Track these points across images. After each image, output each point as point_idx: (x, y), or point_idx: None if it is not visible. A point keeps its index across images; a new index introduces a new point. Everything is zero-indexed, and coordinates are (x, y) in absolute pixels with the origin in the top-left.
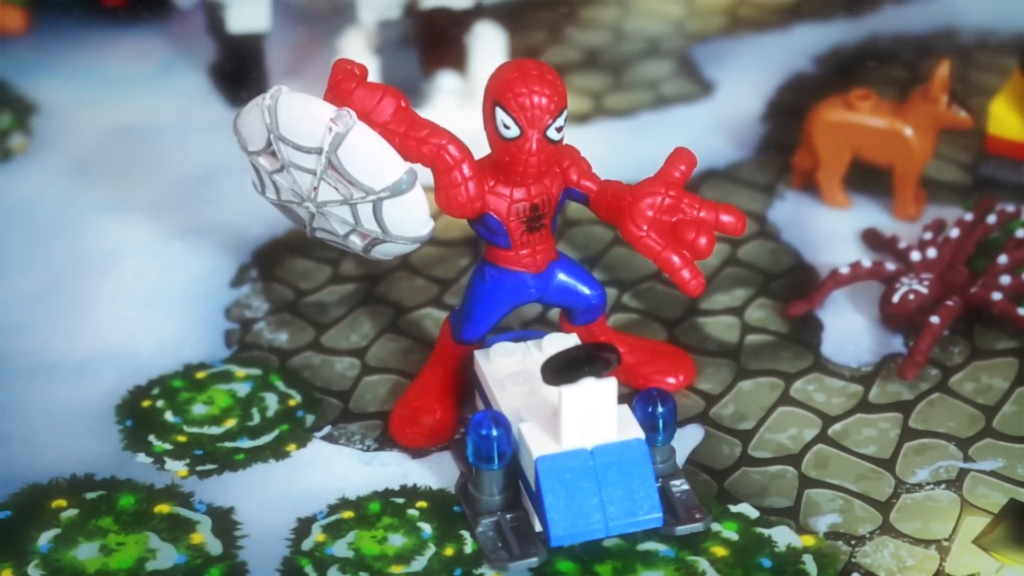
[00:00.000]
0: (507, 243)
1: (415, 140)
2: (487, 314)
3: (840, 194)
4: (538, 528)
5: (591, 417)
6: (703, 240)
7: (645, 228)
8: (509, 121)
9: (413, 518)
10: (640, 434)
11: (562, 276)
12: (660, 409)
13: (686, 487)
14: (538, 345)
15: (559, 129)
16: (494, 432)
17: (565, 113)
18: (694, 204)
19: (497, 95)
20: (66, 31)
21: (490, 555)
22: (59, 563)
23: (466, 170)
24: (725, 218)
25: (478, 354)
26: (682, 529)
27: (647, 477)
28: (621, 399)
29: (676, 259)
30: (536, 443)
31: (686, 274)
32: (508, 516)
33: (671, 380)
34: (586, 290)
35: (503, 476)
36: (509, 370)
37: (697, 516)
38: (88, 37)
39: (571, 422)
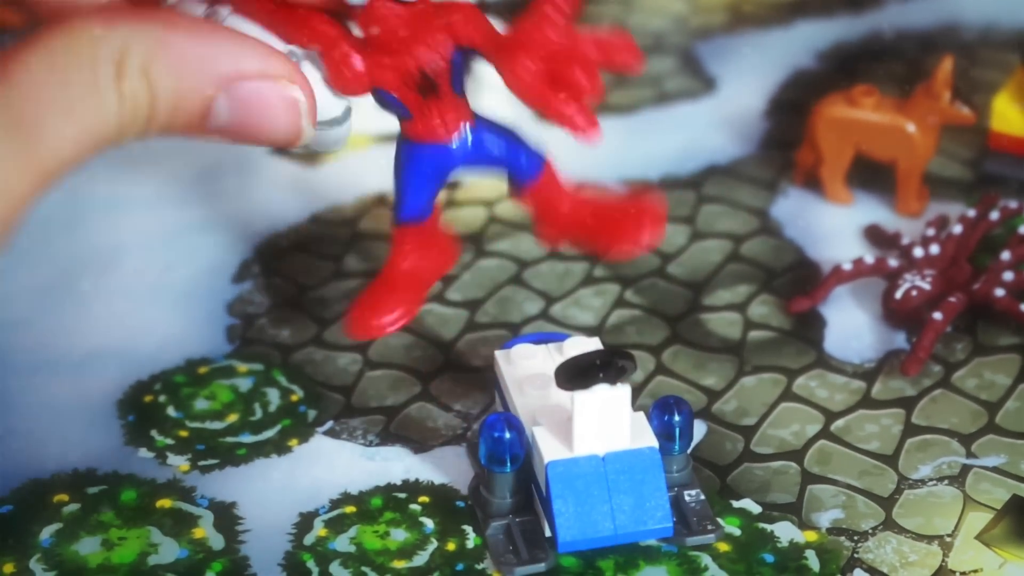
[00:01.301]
0: (407, 113)
1: (293, 26)
2: (413, 189)
3: (843, 190)
4: (548, 533)
5: (604, 423)
6: (582, 76)
7: (528, 77)
8: None
9: (415, 513)
10: (654, 442)
11: (482, 134)
12: (676, 417)
13: (701, 497)
14: (559, 348)
15: None
16: (507, 435)
17: None
18: (582, 42)
19: None
20: None
21: (498, 559)
22: (61, 557)
23: (345, 46)
24: (615, 53)
25: (498, 355)
26: (692, 540)
27: (659, 486)
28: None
29: (562, 102)
30: (548, 447)
31: (575, 116)
32: (519, 520)
33: (639, 237)
34: (514, 142)
35: (515, 479)
36: (528, 372)
37: (709, 527)
38: None
39: (583, 428)
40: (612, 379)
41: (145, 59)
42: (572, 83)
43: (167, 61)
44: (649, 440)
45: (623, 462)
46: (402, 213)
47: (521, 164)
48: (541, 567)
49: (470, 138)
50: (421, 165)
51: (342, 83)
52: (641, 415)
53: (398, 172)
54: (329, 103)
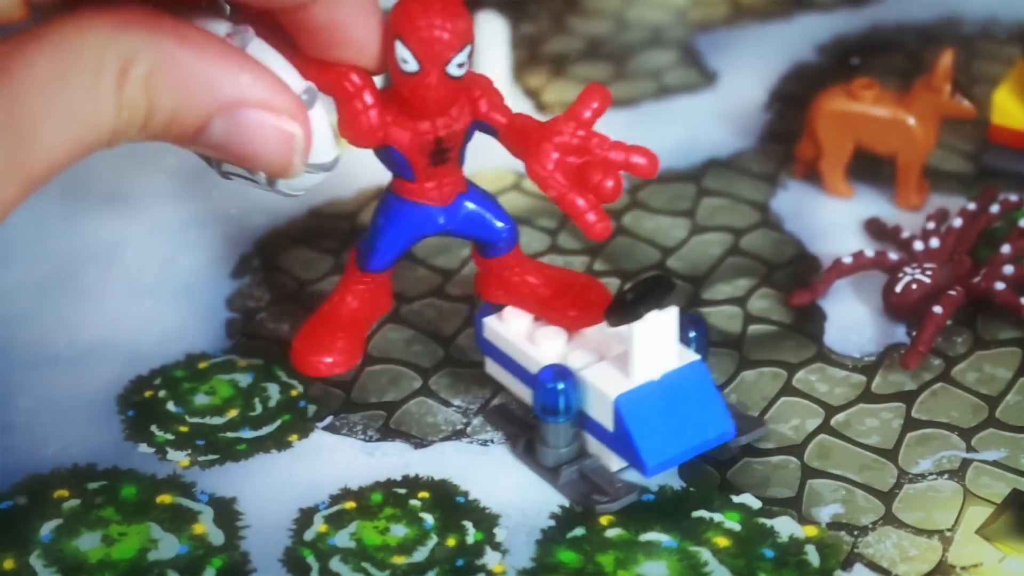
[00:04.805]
0: (411, 175)
1: (316, 65)
2: (391, 245)
3: (843, 184)
4: (614, 467)
5: (656, 348)
6: (609, 183)
7: (550, 167)
8: (407, 55)
9: (415, 508)
10: (695, 356)
11: (470, 208)
12: (692, 333)
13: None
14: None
15: (461, 65)
16: (560, 385)
17: (468, 48)
18: (603, 144)
19: (396, 26)
20: None
21: (587, 501)
22: (61, 553)
23: (367, 98)
24: (636, 159)
25: (489, 321)
26: (746, 438)
27: (713, 394)
28: None
29: (580, 201)
30: (607, 384)
31: (591, 217)
32: (586, 463)
33: (572, 313)
34: (495, 223)
35: (570, 426)
36: (530, 328)
37: (753, 424)
38: None
39: (641, 356)
40: (660, 303)
41: (150, 70)
42: (598, 187)
43: (171, 77)
44: (690, 355)
45: (677, 381)
46: (371, 263)
47: (494, 241)
48: (634, 496)
49: (459, 209)
50: (405, 223)
51: (354, 133)
52: None
53: (378, 223)
54: (325, 147)
